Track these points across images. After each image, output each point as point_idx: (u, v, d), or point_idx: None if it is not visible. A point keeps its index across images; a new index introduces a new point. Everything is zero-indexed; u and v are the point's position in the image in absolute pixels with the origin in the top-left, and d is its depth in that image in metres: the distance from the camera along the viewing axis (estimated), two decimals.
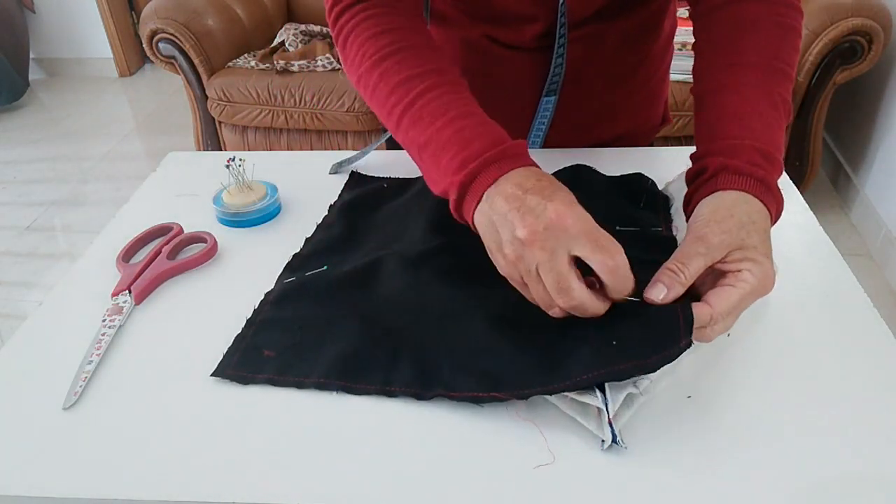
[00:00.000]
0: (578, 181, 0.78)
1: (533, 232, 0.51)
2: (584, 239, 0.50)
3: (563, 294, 0.51)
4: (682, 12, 2.60)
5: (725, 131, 0.61)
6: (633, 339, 0.52)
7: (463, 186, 0.56)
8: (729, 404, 0.53)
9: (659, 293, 0.52)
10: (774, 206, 0.58)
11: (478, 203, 0.56)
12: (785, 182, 0.83)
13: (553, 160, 0.83)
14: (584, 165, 0.80)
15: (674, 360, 0.50)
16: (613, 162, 0.84)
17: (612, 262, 0.50)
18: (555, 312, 0.54)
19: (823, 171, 2.51)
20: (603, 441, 0.50)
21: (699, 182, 0.60)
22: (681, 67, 2.07)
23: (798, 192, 0.80)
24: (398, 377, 0.56)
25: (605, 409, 0.49)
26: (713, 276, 0.55)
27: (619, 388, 0.51)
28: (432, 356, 0.57)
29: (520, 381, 0.53)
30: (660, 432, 0.51)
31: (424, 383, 0.55)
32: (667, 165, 0.83)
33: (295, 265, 0.70)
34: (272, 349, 0.59)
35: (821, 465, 0.49)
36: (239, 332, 0.62)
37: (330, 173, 0.87)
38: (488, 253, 0.56)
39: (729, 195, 0.57)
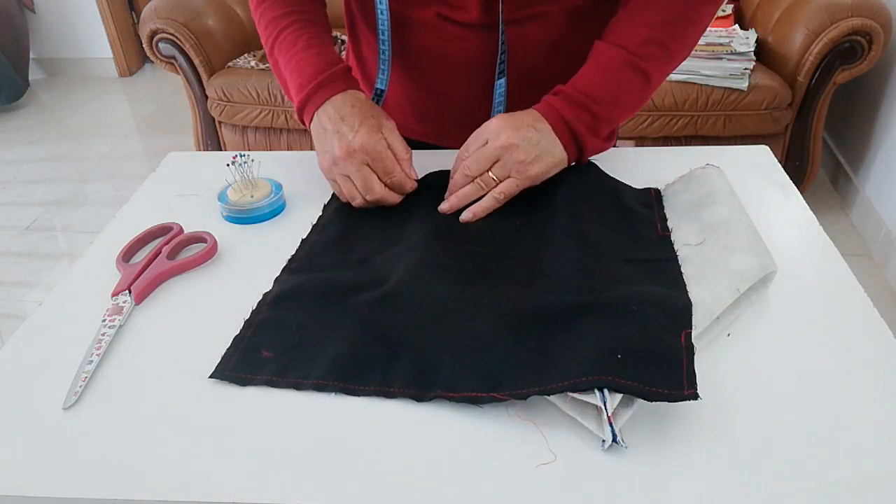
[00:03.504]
0: (578, 179, 0.78)
1: (345, 152, 0.75)
2: (376, 159, 0.75)
3: (368, 190, 0.75)
4: None
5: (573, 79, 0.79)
6: (637, 361, 0.52)
7: (301, 106, 0.80)
8: (728, 404, 0.53)
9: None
10: (554, 115, 0.76)
11: (311, 120, 0.80)
12: (785, 182, 0.83)
13: None
14: (589, 162, 0.80)
15: (672, 402, 0.50)
16: (612, 161, 0.84)
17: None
18: (358, 203, 0.77)
19: (823, 171, 2.51)
20: (603, 441, 0.50)
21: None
22: (681, 67, 2.07)
23: (798, 192, 0.80)
24: (397, 378, 0.56)
25: (603, 406, 0.49)
26: None
27: None
28: (431, 357, 0.57)
29: (519, 380, 0.53)
30: (660, 432, 0.51)
31: (423, 384, 0.55)
32: (666, 165, 0.83)
33: (292, 267, 0.70)
34: (270, 350, 0.59)
35: (821, 465, 0.49)
36: (237, 333, 0.62)
37: None
38: (317, 148, 0.79)
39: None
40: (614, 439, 0.49)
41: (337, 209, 0.79)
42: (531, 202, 0.76)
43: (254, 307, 0.64)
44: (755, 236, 0.66)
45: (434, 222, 0.73)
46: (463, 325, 0.59)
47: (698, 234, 0.68)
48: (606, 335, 0.54)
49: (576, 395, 0.51)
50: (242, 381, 0.57)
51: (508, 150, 0.73)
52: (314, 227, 0.77)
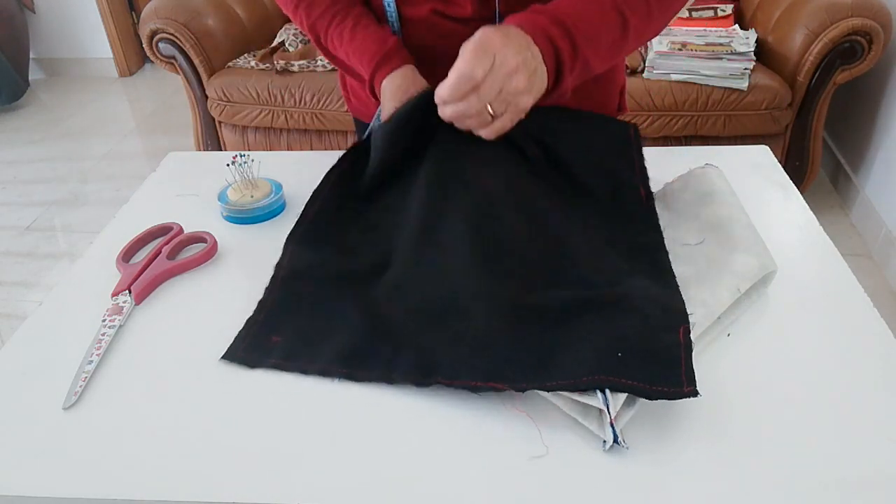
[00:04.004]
0: (550, 127, 0.76)
1: None
2: None
3: None
4: (682, 12, 2.59)
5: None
6: (637, 359, 0.52)
7: (370, 84, 0.86)
8: (728, 404, 0.53)
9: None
10: (544, 40, 0.70)
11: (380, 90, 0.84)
12: (785, 182, 0.83)
13: None
14: (557, 108, 0.77)
15: (673, 399, 0.50)
16: None
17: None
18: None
19: (823, 171, 2.50)
20: (605, 441, 0.50)
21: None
22: (681, 67, 2.07)
23: (798, 192, 0.80)
24: (399, 366, 0.57)
25: (606, 410, 0.49)
26: None
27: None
28: (433, 346, 0.58)
29: (519, 374, 0.54)
30: (659, 432, 0.51)
31: (424, 372, 0.56)
32: (666, 165, 0.83)
33: (300, 231, 0.72)
34: (280, 335, 0.61)
35: (821, 465, 0.49)
36: (251, 315, 0.63)
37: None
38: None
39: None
40: (615, 440, 0.49)
41: (333, 182, 0.79)
42: (525, 173, 0.75)
43: (267, 284, 0.66)
44: (755, 236, 0.66)
45: (439, 187, 0.71)
46: (464, 324, 0.59)
47: (697, 233, 0.68)
48: (606, 333, 0.55)
49: (577, 398, 0.51)
50: (252, 364, 0.58)
51: (510, 77, 0.67)
52: (313, 197, 0.77)
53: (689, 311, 0.58)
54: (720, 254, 0.64)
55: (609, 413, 0.49)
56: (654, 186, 0.80)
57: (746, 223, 0.68)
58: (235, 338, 0.61)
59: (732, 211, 0.70)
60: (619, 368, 0.51)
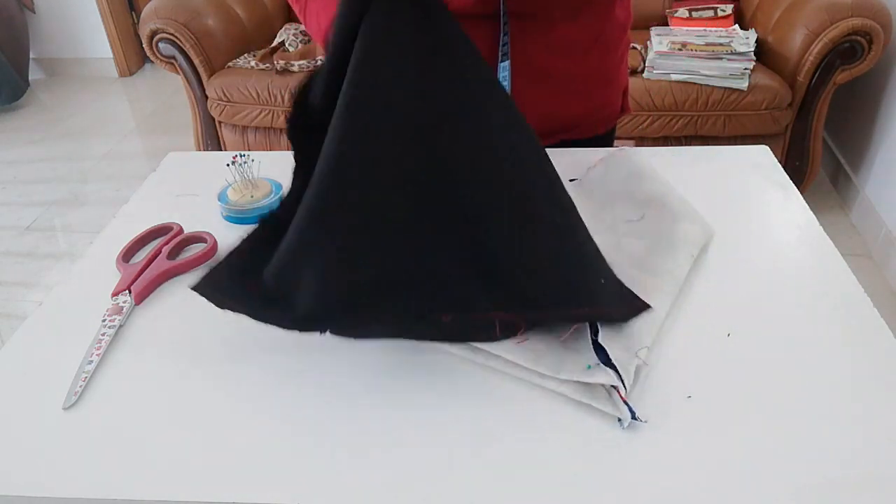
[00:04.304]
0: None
1: None
2: None
3: None
4: (683, 12, 2.58)
5: None
6: (611, 285, 0.58)
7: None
8: (728, 404, 0.53)
9: None
10: None
11: None
12: (785, 182, 0.83)
13: None
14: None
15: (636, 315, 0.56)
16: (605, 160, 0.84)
17: None
18: None
19: (823, 171, 2.50)
20: (620, 420, 0.51)
21: None
22: (681, 67, 2.07)
23: (798, 192, 0.80)
24: (386, 306, 0.55)
25: (622, 385, 0.51)
26: None
27: (627, 363, 0.53)
28: (412, 281, 0.56)
29: (503, 299, 0.55)
30: (658, 432, 0.51)
31: (418, 309, 0.55)
32: (666, 165, 0.83)
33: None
34: (257, 282, 0.59)
35: (821, 465, 0.49)
36: (232, 250, 0.62)
37: None
38: None
39: None
40: (633, 416, 0.50)
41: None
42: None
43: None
44: (689, 207, 0.71)
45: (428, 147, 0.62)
46: (449, 242, 0.56)
47: (636, 209, 0.72)
48: (581, 258, 0.57)
49: (585, 379, 0.52)
50: (221, 304, 0.58)
51: None
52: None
53: (660, 281, 0.62)
54: (665, 226, 0.68)
55: (626, 387, 0.51)
56: (577, 172, 0.81)
57: (678, 196, 0.73)
58: (212, 269, 0.60)
59: (662, 186, 0.74)
60: (604, 297, 0.55)
